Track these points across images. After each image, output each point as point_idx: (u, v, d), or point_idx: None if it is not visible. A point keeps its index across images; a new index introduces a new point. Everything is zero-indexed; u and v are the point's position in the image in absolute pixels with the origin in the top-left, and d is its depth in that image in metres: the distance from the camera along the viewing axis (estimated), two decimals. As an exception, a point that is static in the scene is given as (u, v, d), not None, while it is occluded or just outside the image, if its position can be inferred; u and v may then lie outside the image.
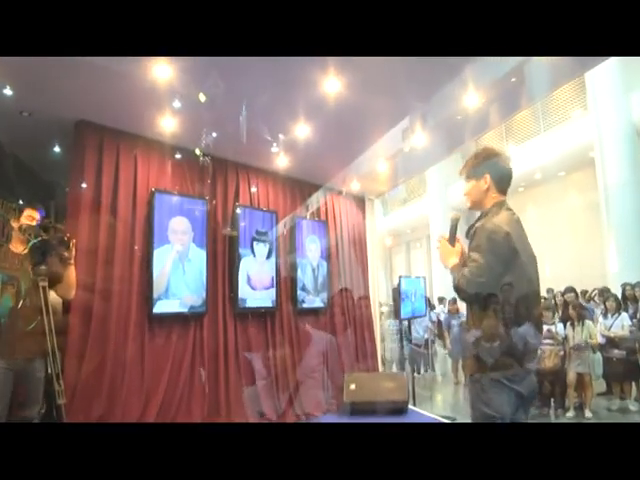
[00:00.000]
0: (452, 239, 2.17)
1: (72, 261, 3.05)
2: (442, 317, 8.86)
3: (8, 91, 3.30)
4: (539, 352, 4.64)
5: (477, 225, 2.04)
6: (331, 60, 3.11)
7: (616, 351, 5.84)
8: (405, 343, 6.83)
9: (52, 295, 3.00)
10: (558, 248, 11.23)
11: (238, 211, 4.87)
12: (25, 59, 2.78)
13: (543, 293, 6.70)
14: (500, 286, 1.90)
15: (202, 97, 3.49)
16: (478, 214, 2.15)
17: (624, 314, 6.00)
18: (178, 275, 4.25)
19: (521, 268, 1.94)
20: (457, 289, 1.98)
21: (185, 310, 4.27)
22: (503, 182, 2.12)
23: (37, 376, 2.79)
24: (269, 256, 5.14)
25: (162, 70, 3.10)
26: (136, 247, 4.02)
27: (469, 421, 1.99)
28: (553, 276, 8.92)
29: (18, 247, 2.87)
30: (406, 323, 6.69)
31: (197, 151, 3.48)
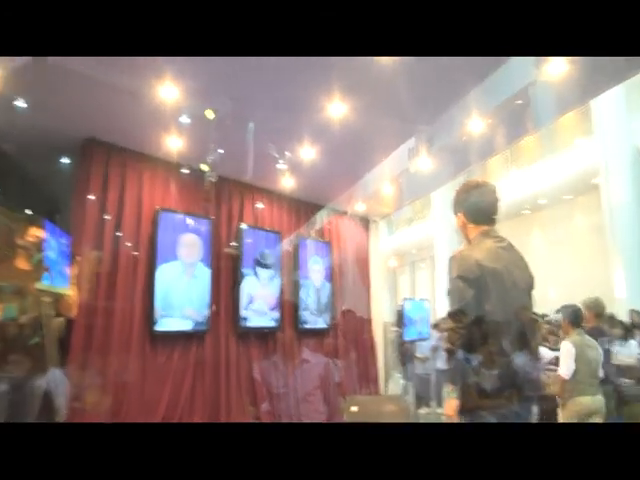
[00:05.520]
0: None
1: (75, 280, 3.04)
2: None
3: (22, 104, 3.31)
4: (543, 377, 4.56)
5: (450, 257, 2.02)
6: (337, 81, 3.13)
7: (623, 379, 5.73)
8: (408, 366, 6.72)
9: (56, 312, 2.99)
10: (565, 272, 11.13)
11: (242, 230, 4.87)
12: (41, 75, 2.82)
13: (550, 316, 6.57)
14: (481, 314, 1.83)
15: (210, 114, 3.49)
16: None
17: (632, 341, 5.88)
18: (183, 292, 4.25)
19: (500, 297, 1.86)
20: (450, 342, 1.86)
21: (188, 328, 4.25)
22: (479, 215, 2.08)
23: (35, 393, 2.76)
24: (272, 279, 5.14)
25: (169, 90, 3.14)
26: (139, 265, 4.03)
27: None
28: (561, 300, 8.81)
29: (22, 263, 2.87)
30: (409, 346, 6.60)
31: (203, 167, 3.47)
